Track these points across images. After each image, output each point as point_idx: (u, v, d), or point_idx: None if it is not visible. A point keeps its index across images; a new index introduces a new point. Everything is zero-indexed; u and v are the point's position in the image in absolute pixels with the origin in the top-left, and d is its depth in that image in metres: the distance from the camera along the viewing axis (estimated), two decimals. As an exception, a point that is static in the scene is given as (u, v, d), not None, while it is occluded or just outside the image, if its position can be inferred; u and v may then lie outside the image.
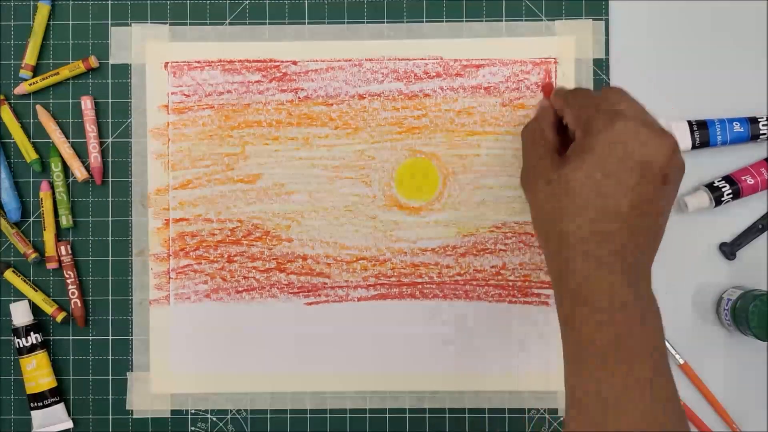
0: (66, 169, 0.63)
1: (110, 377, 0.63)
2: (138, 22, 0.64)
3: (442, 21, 0.63)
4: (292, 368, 0.63)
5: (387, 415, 0.63)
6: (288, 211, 0.63)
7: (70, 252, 0.63)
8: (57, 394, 0.62)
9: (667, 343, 0.63)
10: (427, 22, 0.63)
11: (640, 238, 0.48)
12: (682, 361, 0.63)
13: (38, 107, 0.63)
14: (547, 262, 0.51)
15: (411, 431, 0.63)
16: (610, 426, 0.45)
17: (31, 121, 0.64)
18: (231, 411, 0.63)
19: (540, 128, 0.54)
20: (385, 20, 0.63)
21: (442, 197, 0.63)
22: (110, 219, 0.63)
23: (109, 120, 0.64)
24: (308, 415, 0.63)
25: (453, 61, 0.63)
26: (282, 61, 0.63)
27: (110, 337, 0.63)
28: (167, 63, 0.63)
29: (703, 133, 0.62)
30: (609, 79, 0.63)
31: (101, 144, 0.63)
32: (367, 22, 0.63)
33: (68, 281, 0.63)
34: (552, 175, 0.50)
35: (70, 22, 0.64)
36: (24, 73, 0.63)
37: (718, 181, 0.62)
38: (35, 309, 0.63)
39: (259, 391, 0.63)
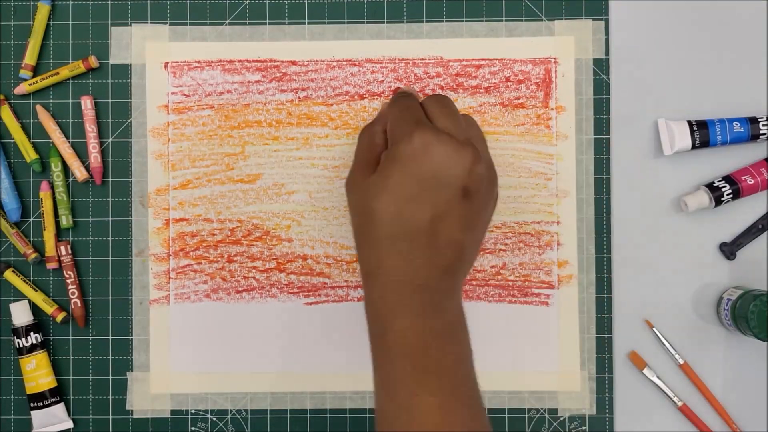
0: (66, 169, 0.63)
1: (110, 377, 0.63)
2: (138, 22, 0.64)
3: (442, 21, 0.63)
4: (292, 368, 0.63)
5: (387, 415, 0.63)
6: (288, 211, 0.63)
7: (70, 252, 0.63)
8: (57, 394, 0.62)
9: (666, 343, 0.63)
10: (427, 22, 0.63)
11: (442, 255, 0.47)
12: (682, 361, 0.63)
13: (38, 107, 0.63)
14: (359, 262, 0.50)
15: (411, 431, 0.63)
16: None
17: (31, 121, 0.64)
18: (231, 411, 0.63)
19: (373, 131, 0.52)
20: (385, 20, 0.63)
21: (442, 197, 0.63)
22: (110, 219, 0.63)
23: (109, 120, 0.64)
24: (308, 415, 0.63)
25: (453, 61, 0.63)
26: (282, 61, 0.63)
27: (110, 337, 0.63)
28: (167, 63, 0.63)
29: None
30: (609, 79, 0.63)
31: (101, 144, 0.63)
32: (367, 22, 0.63)
33: (68, 281, 0.63)
34: (364, 182, 0.48)
35: (70, 22, 0.64)
36: (24, 73, 0.63)
37: (718, 181, 0.62)
38: (35, 309, 0.63)
39: (259, 391, 0.63)
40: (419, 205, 0.46)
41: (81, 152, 0.63)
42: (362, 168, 0.49)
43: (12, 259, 0.64)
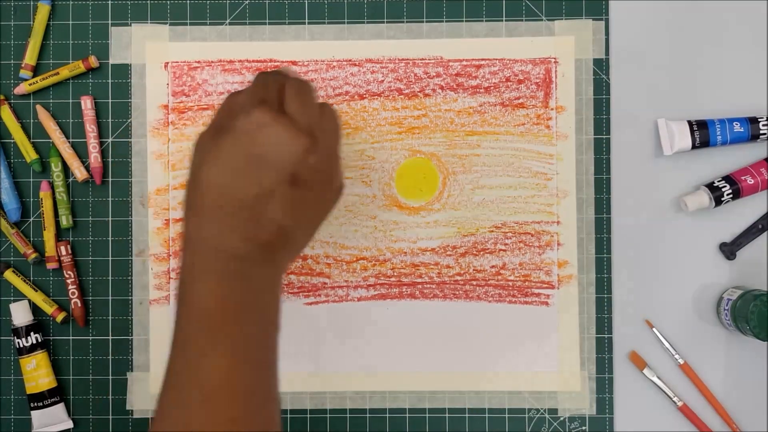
0: (66, 169, 0.63)
1: (110, 377, 0.63)
2: (138, 22, 0.64)
3: (442, 21, 0.63)
4: (291, 368, 0.63)
5: (387, 415, 0.63)
6: (288, 211, 0.63)
7: (70, 252, 0.63)
8: (57, 394, 0.62)
9: (666, 343, 0.63)
10: (427, 22, 0.63)
11: (263, 231, 0.47)
12: (682, 361, 0.63)
13: (38, 107, 0.63)
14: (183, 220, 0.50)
15: (411, 431, 0.63)
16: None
17: (31, 121, 0.64)
18: (231, 411, 0.63)
19: (236, 99, 0.51)
20: (385, 20, 0.63)
21: (442, 197, 0.63)
22: (110, 219, 0.63)
23: (109, 120, 0.64)
24: (308, 415, 0.63)
25: (453, 61, 0.63)
26: (282, 61, 0.63)
27: (110, 337, 0.63)
28: (167, 63, 0.63)
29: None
30: (609, 79, 0.63)
31: (101, 144, 0.63)
32: (367, 22, 0.63)
33: (68, 281, 0.63)
34: (203, 140, 0.48)
35: (70, 22, 0.64)
36: (24, 73, 0.63)
37: (718, 181, 0.62)
38: (35, 309, 0.63)
39: (259, 391, 0.63)
40: (245, 181, 0.46)
41: (81, 152, 0.63)
42: (213, 132, 0.49)
43: (12, 259, 0.64)
